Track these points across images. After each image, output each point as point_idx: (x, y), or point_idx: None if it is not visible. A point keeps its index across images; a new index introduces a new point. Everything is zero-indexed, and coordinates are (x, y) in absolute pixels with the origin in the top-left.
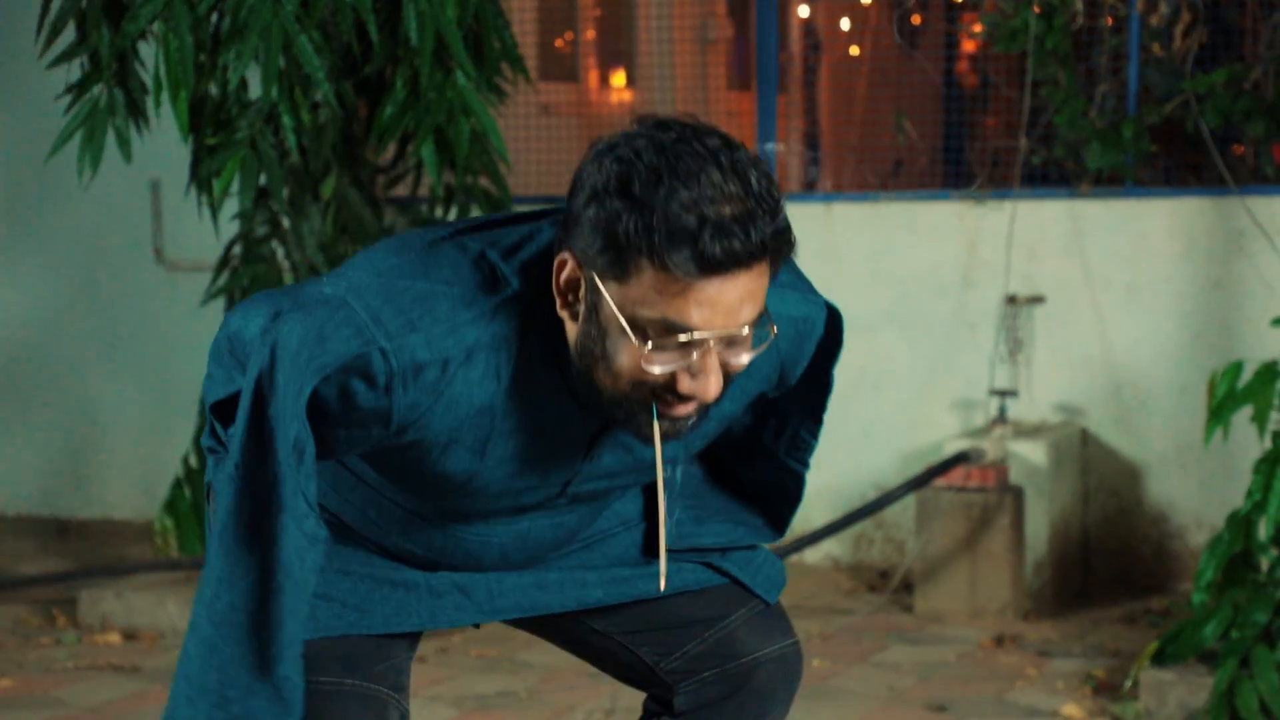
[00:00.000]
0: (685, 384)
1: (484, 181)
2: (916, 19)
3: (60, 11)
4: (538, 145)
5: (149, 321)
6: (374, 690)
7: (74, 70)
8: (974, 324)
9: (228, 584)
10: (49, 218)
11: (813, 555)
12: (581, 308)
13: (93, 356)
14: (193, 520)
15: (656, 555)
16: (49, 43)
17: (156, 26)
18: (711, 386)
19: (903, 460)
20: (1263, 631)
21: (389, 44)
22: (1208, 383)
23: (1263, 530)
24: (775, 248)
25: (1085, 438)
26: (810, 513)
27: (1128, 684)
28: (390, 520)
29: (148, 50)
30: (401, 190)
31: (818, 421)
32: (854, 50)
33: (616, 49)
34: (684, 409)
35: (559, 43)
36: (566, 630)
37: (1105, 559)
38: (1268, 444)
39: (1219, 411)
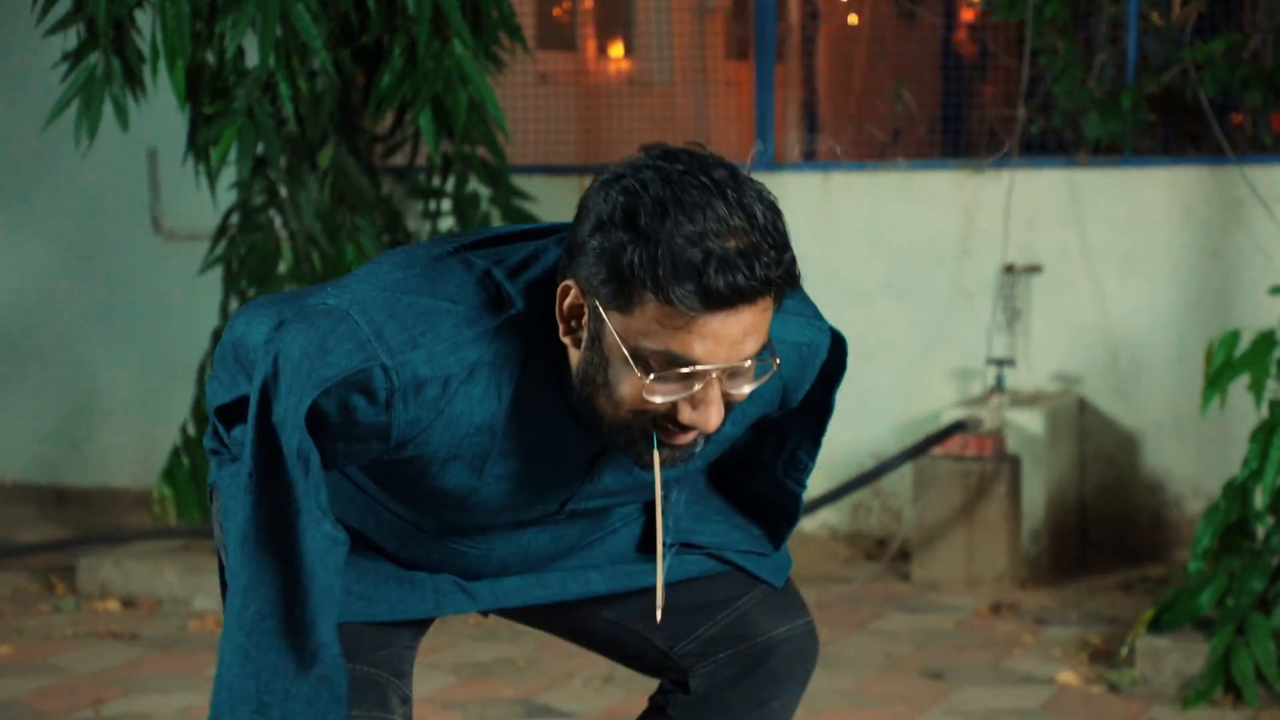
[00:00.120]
0: (686, 414)
1: (481, 150)
2: None
3: None
4: (535, 114)
5: (146, 290)
6: (374, 674)
7: (70, 38)
8: (971, 293)
9: (255, 592)
10: (46, 187)
11: (810, 524)
12: (584, 335)
13: (90, 325)
14: (191, 488)
15: (652, 551)
16: (45, 10)
17: None
18: (713, 418)
19: (900, 429)
20: (1258, 599)
21: (386, 12)
22: (1205, 351)
23: (1259, 498)
24: (780, 282)
25: (1082, 406)
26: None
27: (1124, 651)
28: (390, 531)
29: (144, 18)
30: (399, 159)
31: (816, 444)
32: (852, 19)
33: (614, 18)
34: (684, 438)
35: (557, 11)
36: (576, 622)
37: (1102, 527)
38: (1264, 412)
39: (1216, 380)
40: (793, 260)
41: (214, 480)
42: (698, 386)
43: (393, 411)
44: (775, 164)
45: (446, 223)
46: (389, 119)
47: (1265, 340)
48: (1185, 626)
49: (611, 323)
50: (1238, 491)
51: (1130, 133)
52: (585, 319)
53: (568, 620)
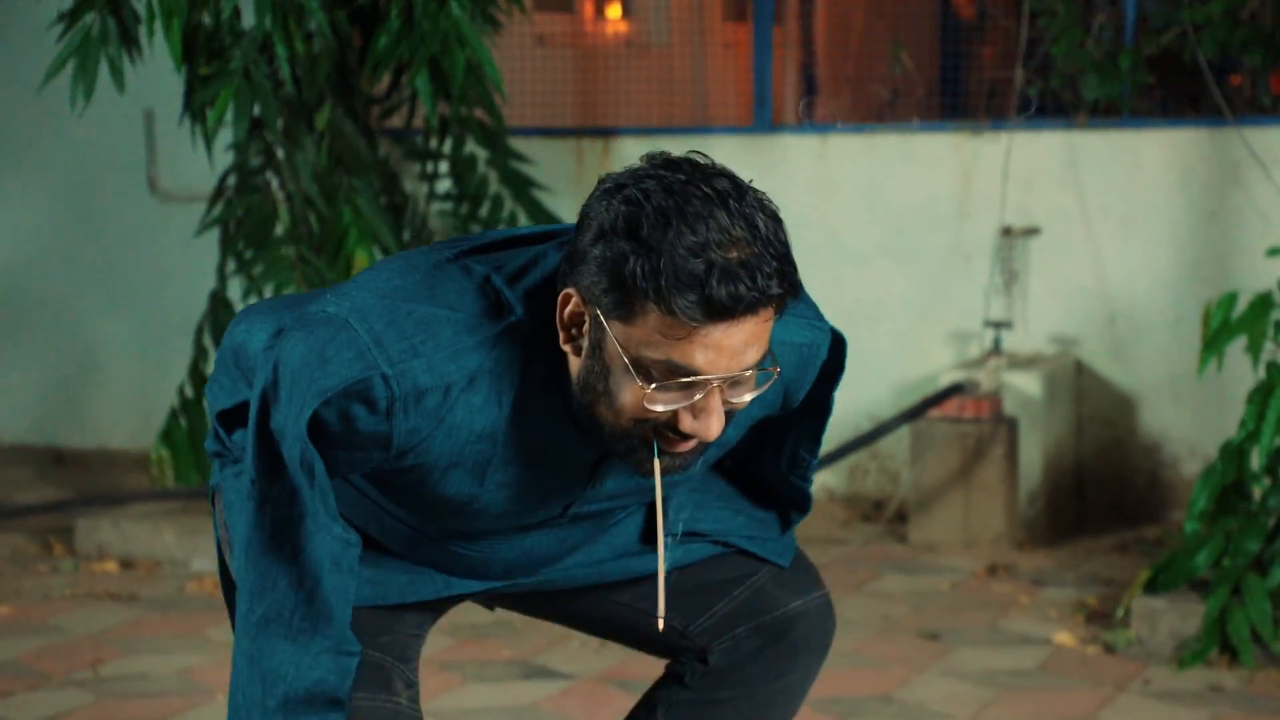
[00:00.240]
0: (687, 423)
1: (479, 112)
2: None
3: None
4: (532, 76)
5: (144, 252)
6: (378, 658)
7: None
8: (969, 255)
9: (260, 596)
10: (43, 148)
11: None
12: (585, 343)
13: (88, 287)
14: (188, 450)
15: (655, 542)
16: None
17: None
18: (714, 427)
19: (897, 391)
20: (1254, 559)
21: None
22: (1202, 313)
23: (1255, 460)
24: (781, 293)
25: (1079, 369)
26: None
27: (1120, 612)
28: (393, 536)
29: None
30: (396, 121)
31: (816, 442)
32: None
33: None
34: (685, 446)
35: None
36: (587, 609)
37: (1099, 489)
38: (1261, 374)
39: (1213, 342)
40: (794, 269)
41: (215, 482)
42: (699, 396)
43: (393, 420)
44: (773, 126)
45: (444, 185)
46: (386, 81)
47: (1262, 302)
48: (1181, 587)
49: (613, 332)
50: (1234, 453)
51: (1129, 94)
52: (586, 327)
53: (579, 609)
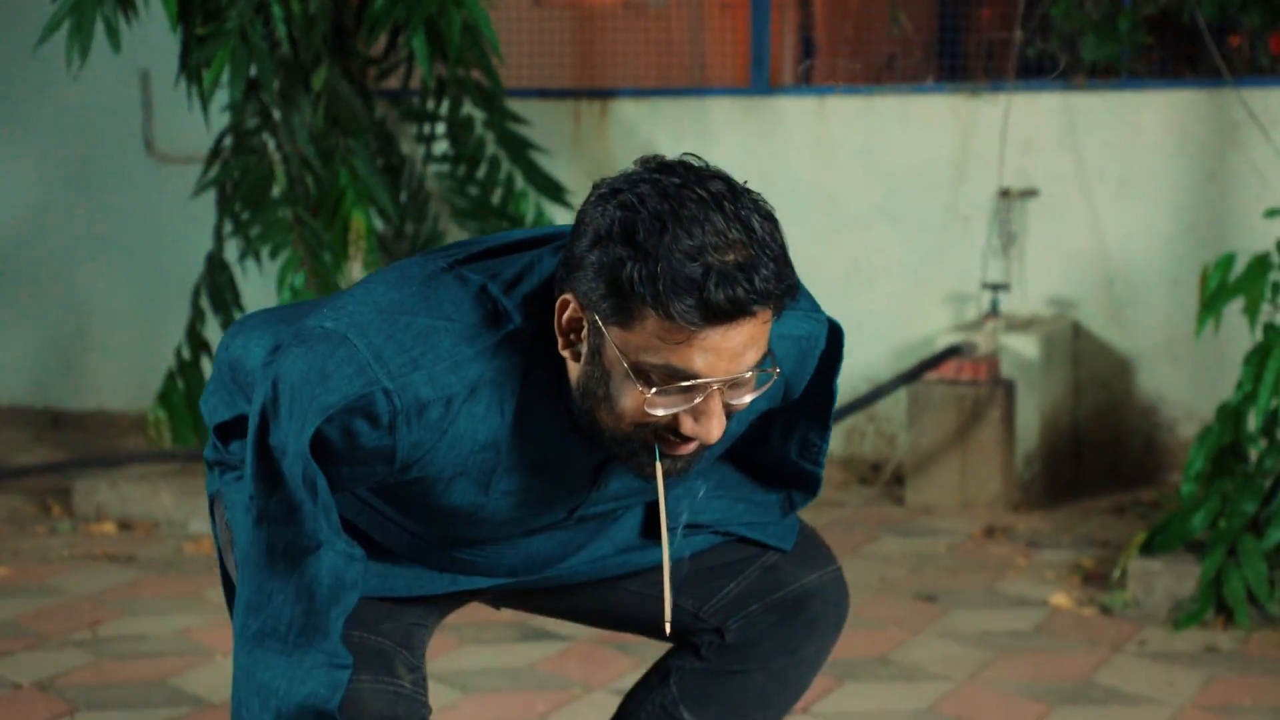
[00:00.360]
0: (688, 426)
1: (476, 74)
2: None
3: None
4: (529, 38)
5: (140, 213)
6: (380, 642)
7: None
8: (967, 217)
9: (256, 611)
10: (38, 109)
11: None
12: (584, 349)
13: (84, 248)
14: (185, 412)
15: (658, 536)
16: None
17: None
18: (714, 429)
19: (894, 354)
20: (1250, 521)
21: None
22: (1200, 275)
23: (1252, 421)
24: (779, 294)
25: (1077, 331)
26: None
27: (1116, 574)
28: (398, 542)
29: None
30: (393, 82)
31: (825, 427)
32: None
33: None
34: (686, 449)
35: None
36: (597, 601)
37: (1095, 451)
38: (1259, 336)
39: (1211, 304)
40: (791, 270)
41: (215, 489)
42: (699, 399)
43: (396, 434)
44: (771, 88)
45: (441, 146)
46: (382, 41)
47: (1260, 263)
48: (1177, 549)
49: (611, 337)
50: (1231, 415)
51: (1127, 55)
52: (585, 333)
53: (589, 601)
